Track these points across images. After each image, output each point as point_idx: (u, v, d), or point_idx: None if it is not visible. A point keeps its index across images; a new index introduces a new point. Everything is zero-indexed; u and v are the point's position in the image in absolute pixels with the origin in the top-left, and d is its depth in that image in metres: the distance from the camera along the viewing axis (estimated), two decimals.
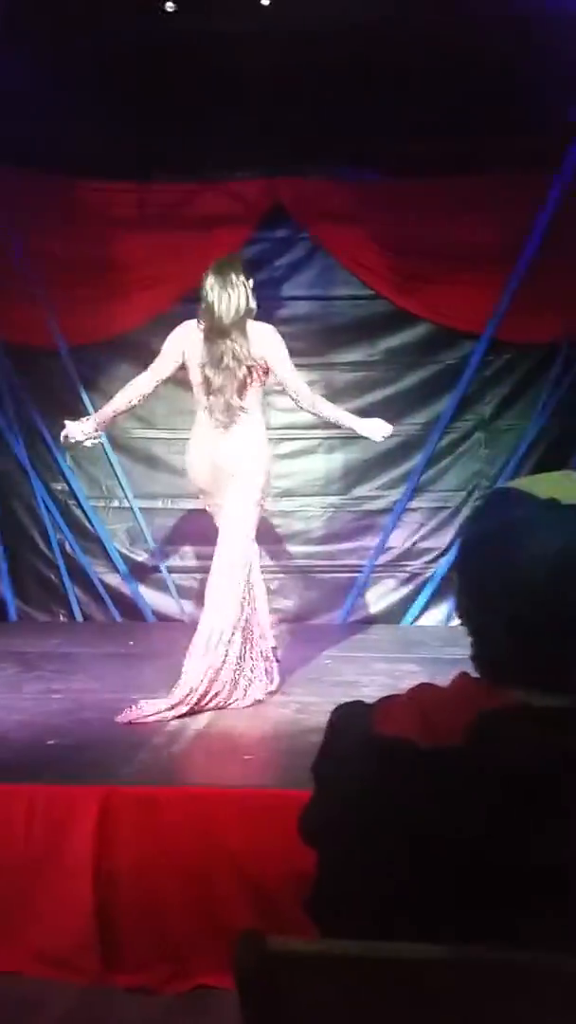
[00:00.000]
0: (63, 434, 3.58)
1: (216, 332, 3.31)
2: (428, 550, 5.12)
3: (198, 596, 5.12)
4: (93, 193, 5.07)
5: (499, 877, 0.82)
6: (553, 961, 0.79)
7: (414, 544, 5.13)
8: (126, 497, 5.22)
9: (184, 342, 3.41)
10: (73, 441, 3.54)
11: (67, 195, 5.03)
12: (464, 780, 0.84)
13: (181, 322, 5.19)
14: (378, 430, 3.56)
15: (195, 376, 3.40)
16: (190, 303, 5.13)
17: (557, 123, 4.41)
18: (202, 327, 3.37)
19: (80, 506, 5.25)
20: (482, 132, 4.55)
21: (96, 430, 3.53)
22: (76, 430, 3.50)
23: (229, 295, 3.30)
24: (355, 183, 5.03)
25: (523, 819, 0.82)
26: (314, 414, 3.52)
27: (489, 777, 0.83)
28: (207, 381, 3.34)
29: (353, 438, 5.16)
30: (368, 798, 0.88)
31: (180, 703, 3.04)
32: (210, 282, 3.34)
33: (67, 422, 3.58)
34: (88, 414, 5.23)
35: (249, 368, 3.32)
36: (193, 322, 3.43)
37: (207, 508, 3.55)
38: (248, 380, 3.34)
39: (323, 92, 4.31)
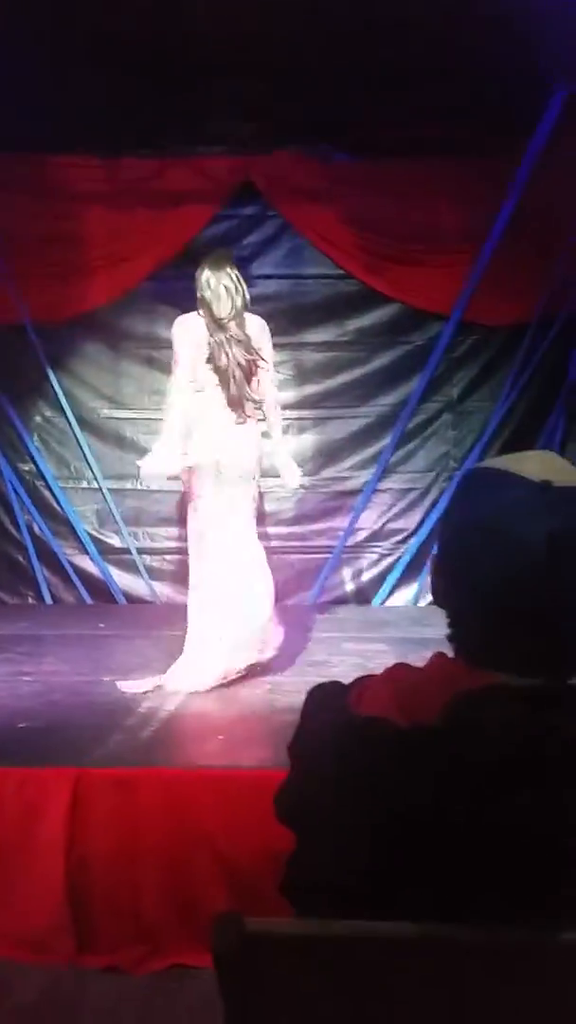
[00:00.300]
0: (142, 475, 3.49)
1: (221, 326, 3.31)
2: (397, 531, 5.16)
3: (169, 577, 5.12)
4: (59, 168, 4.98)
5: (477, 855, 0.83)
6: (532, 937, 0.81)
7: (384, 525, 5.17)
8: (95, 478, 5.17)
9: (193, 335, 3.34)
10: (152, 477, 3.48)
11: (32, 171, 4.93)
12: (440, 759, 0.85)
13: (149, 299, 5.17)
14: (293, 479, 3.60)
15: (202, 371, 3.34)
16: (158, 280, 5.11)
17: (524, 107, 4.41)
18: (204, 320, 3.34)
19: (48, 487, 5.19)
20: (452, 115, 4.53)
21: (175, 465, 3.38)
22: (156, 469, 3.40)
23: (227, 288, 3.31)
24: (326, 162, 5.00)
25: (500, 798, 0.83)
26: (263, 419, 3.46)
27: (466, 756, 0.84)
28: (222, 374, 3.30)
29: (324, 419, 5.18)
30: (345, 778, 0.88)
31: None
32: (206, 276, 3.34)
33: (143, 463, 3.44)
34: (55, 394, 5.20)
35: (254, 359, 3.34)
36: (192, 315, 3.39)
37: (198, 497, 3.39)
38: (254, 370, 3.35)
39: (295, 70, 4.25)
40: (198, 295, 3.35)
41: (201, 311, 3.35)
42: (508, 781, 0.84)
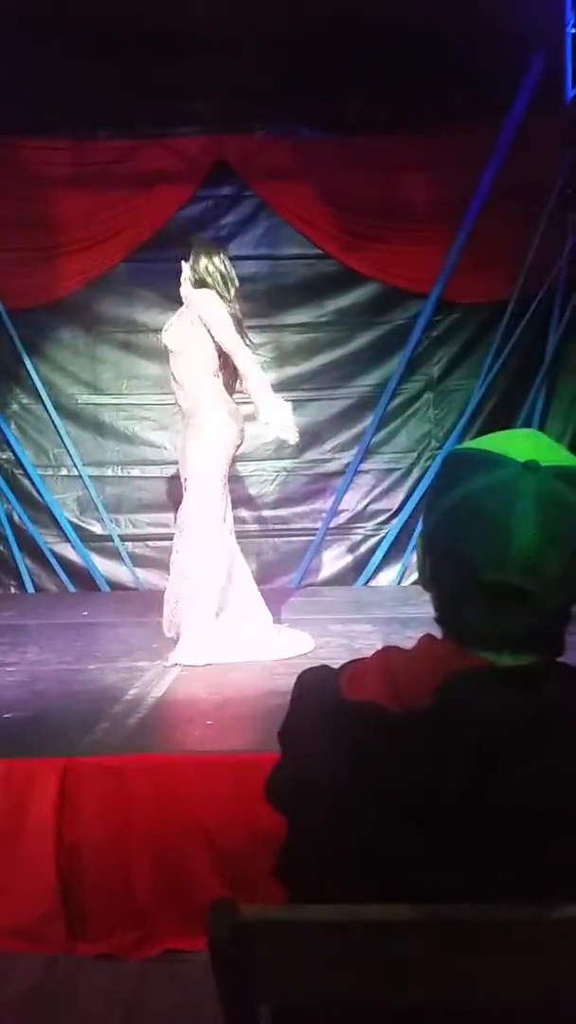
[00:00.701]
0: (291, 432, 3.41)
1: (231, 304, 3.43)
2: (380, 512, 5.16)
3: (151, 564, 5.10)
4: (29, 151, 4.90)
5: (471, 835, 0.83)
6: (528, 914, 0.81)
7: (366, 506, 5.17)
8: (75, 465, 5.13)
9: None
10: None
11: (2, 154, 4.84)
12: (433, 740, 0.84)
13: (125, 283, 5.10)
14: (278, 424, 3.39)
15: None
16: (134, 263, 5.05)
17: (500, 80, 4.38)
18: (229, 298, 3.43)
19: (27, 475, 5.14)
20: (427, 89, 4.50)
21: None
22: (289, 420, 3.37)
23: (232, 269, 3.50)
24: (301, 140, 4.95)
25: (493, 778, 0.83)
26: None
27: (458, 736, 0.84)
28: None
29: (305, 401, 5.15)
30: (337, 762, 0.88)
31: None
32: (222, 256, 3.50)
33: (286, 418, 3.37)
34: (31, 381, 5.14)
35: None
36: (213, 292, 3.43)
37: (227, 476, 3.45)
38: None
39: (268, 47, 4.20)
40: (220, 274, 3.43)
41: (228, 290, 3.44)
42: (500, 761, 0.84)
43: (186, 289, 3.50)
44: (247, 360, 3.39)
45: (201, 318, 3.38)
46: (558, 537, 0.87)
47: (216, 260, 3.45)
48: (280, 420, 3.35)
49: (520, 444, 0.91)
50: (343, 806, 0.87)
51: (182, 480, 3.61)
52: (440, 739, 0.84)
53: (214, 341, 3.37)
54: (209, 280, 3.42)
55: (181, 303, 3.58)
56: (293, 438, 3.46)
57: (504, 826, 0.82)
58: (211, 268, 3.43)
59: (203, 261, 3.45)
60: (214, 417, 3.39)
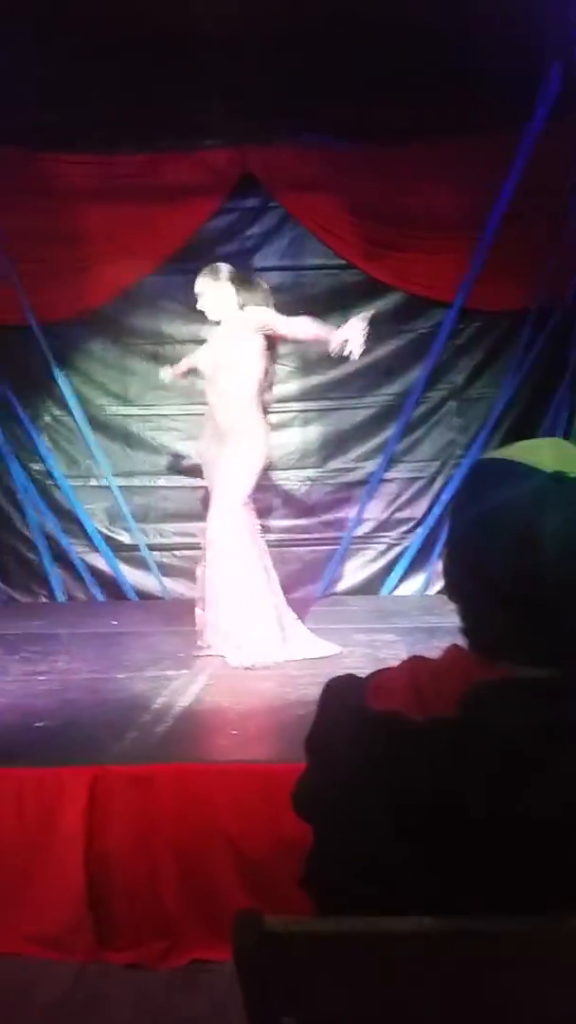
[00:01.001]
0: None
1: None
2: (404, 520, 5.16)
3: (179, 573, 5.15)
4: (58, 165, 4.98)
5: (497, 847, 0.84)
6: (554, 927, 0.82)
7: (390, 515, 5.17)
8: (104, 475, 5.20)
9: None
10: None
11: (32, 169, 4.93)
12: (458, 751, 0.85)
13: (153, 295, 5.18)
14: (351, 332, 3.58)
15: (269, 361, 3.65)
16: (161, 276, 5.11)
17: (521, 86, 4.37)
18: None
19: (59, 486, 5.22)
20: (448, 98, 4.51)
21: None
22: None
23: None
24: (325, 151, 4.98)
25: (517, 788, 0.84)
26: None
27: (483, 747, 0.85)
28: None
29: (328, 410, 5.17)
30: (363, 772, 0.88)
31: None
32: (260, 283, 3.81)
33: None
34: (62, 393, 5.22)
35: None
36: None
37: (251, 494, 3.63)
38: None
39: (291, 59, 4.23)
40: (265, 294, 3.70)
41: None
42: (526, 773, 0.84)
43: (228, 310, 3.62)
44: (314, 323, 3.65)
45: (263, 329, 3.56)
46: None
47: (261, 289, 3.69)
48: (351, 333, 3.53)
49: (546, 454, 0.91)
50: (366, 816, 0.88)
51: (209, 490, 3.67)
52: (464, 750, 0.85)
53: (265, 361, 3.59)
54: (265, 294, 3.69)
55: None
56: (357, 352, 3.60)
57: (527, 838, 0.83)
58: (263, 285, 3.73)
59: (248, 295, 3.65)
60: (256, 435, 3.55)
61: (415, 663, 0.96)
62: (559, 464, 0.88)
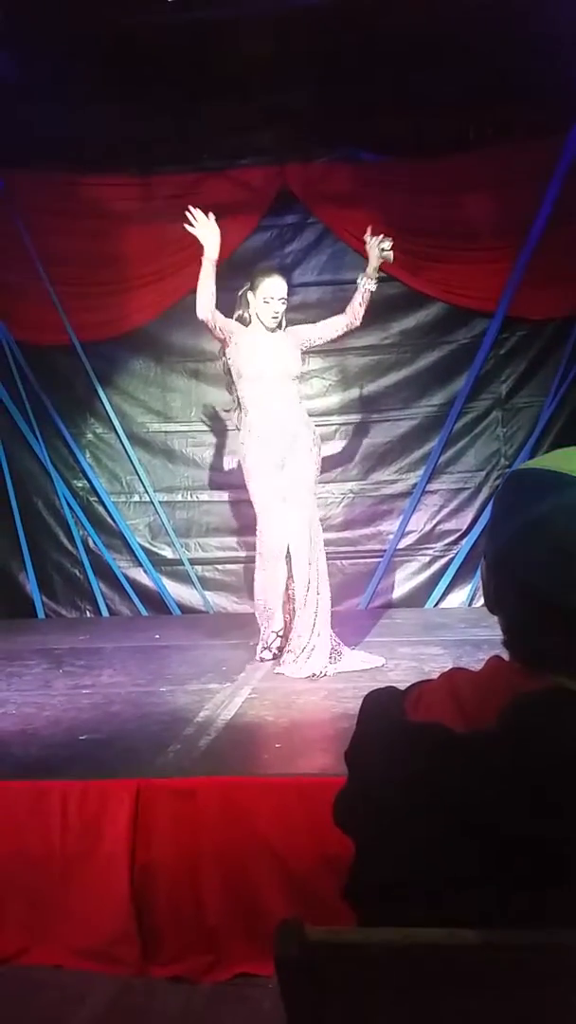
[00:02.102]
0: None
1: None
2: (449, 532, 5.10)
3: (221, 587, 5.17)
4: (98, 188, 5.07)
5: (536, 859, 0.82)
6: None
7: (434, 527, 5.12)
8: (146, 491, 5.25)
9: None
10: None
11: (73, 192, 5.04)
12: (499, 763, 0.84)
13: (193, 313, 5.22)
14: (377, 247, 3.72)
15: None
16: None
17: (562, 93, 4.34)
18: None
19: (102, 502, 5.28)
20: (486, 107, 4.49)
21: None
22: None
23: None
24: (362, 165, 5.00)
25: (559, 801, 0.82)
26: None
27: (524, 759, 0.83)
28: None
29: (370, 423, 5.15)
30: (402, 784, 0.87)
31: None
32: None
33: None
34: (105, 410, 5.29)
35: None
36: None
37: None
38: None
39: (325, 74, 4.27)
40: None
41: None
42: (566, 783, 0.82)
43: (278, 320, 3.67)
44: (336, 316, 3.75)
45: (308, 343, 3.66)
46: None
47: None
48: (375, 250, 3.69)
49: (569, 458, 0.90)
50: (407, 828, 0.87)
51: (264, 503, 3.62)
52: (506, 762, 0.83)
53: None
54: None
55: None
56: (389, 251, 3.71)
57: (569, 851, 0.81)
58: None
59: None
60: (314, 436, 3.65)
61: (456, 674, 0.95)
62: (565, 467, 0.88)
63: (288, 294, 3.74)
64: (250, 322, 3.67)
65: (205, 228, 3.53)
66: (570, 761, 0.82)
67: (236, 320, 3.67)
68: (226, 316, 3.65)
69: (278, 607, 3.59)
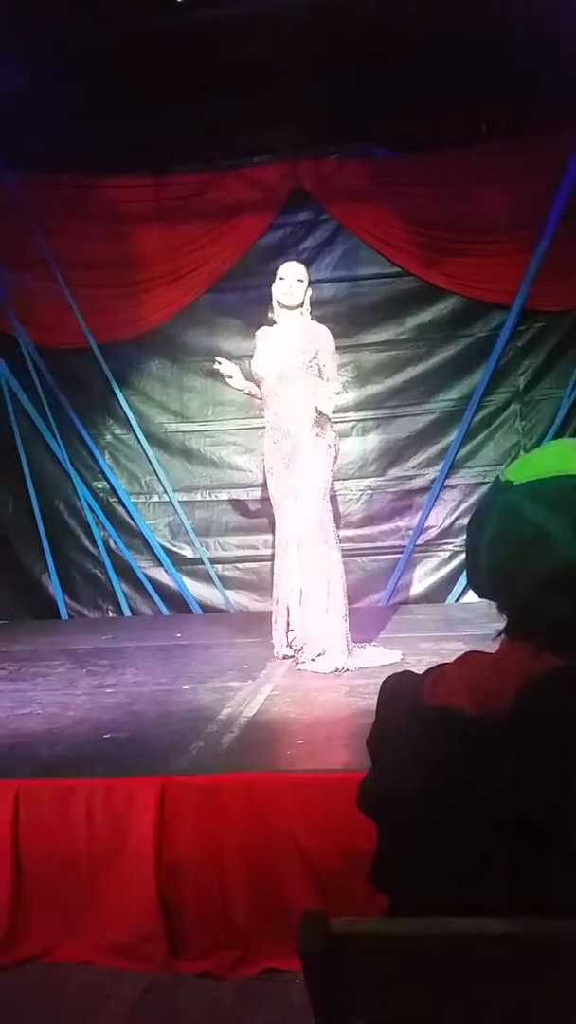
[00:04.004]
0: None
1: None
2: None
3: (241, 585, 5.18)
4: (112, 190, 5.10)
5: (553, 837, 0.82)
6: None
7: (454, 522, 5.09)
8: (166, 491, 5.27)
9: None
10: None
11: (87, 195, 5.07)
12: (515, 743, 0.85)
13: (208, 312, 5.24)
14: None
15: None
16: (216, 293, 5.18)
17: (574, 87, 4.29)
18: None
19: (121, 503, 5.31)
20: (498, 102, 4.46)
21: None
22: None
23: None
24: (375, 160, 4.98)
25: (573, 778, 0.82)
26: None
27: (539, 738, 0.84)
28: None
29: (387, 418, 5.14)
30: (421, 767, 0.89)
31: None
32: None
33: None
34: (123, 411, 5.32)
35: None
36: None
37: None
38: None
39: (337, 71, 4.26)
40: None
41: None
42: None
43: (302, 315, 3.68)
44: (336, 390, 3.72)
45: (324, 352, 3.62)
46: (513, 549, 0.94)
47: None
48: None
49: (522, 463, 1.00)
50: (426, 811, 0.88)
51: (277, 500, 3.66)
52: (522, 742, 0.84)
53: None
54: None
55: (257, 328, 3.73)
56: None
57: None
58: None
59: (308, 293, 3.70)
60: (329, 437, 3.62)
61: (470, 658, 0.99)
62: (519, 470, 0.99)
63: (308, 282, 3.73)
64: (275, 322, 3.70)
65: (228, 369, 3.74)
66: None
67: (266, 326, 3.75)
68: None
69: (287, 602, 3.61)
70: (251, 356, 3.63)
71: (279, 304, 3.66)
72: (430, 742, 0.89)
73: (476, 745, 0.86)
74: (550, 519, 0.92)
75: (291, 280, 3.64)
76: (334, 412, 3.61)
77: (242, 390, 3.81)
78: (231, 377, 3.75)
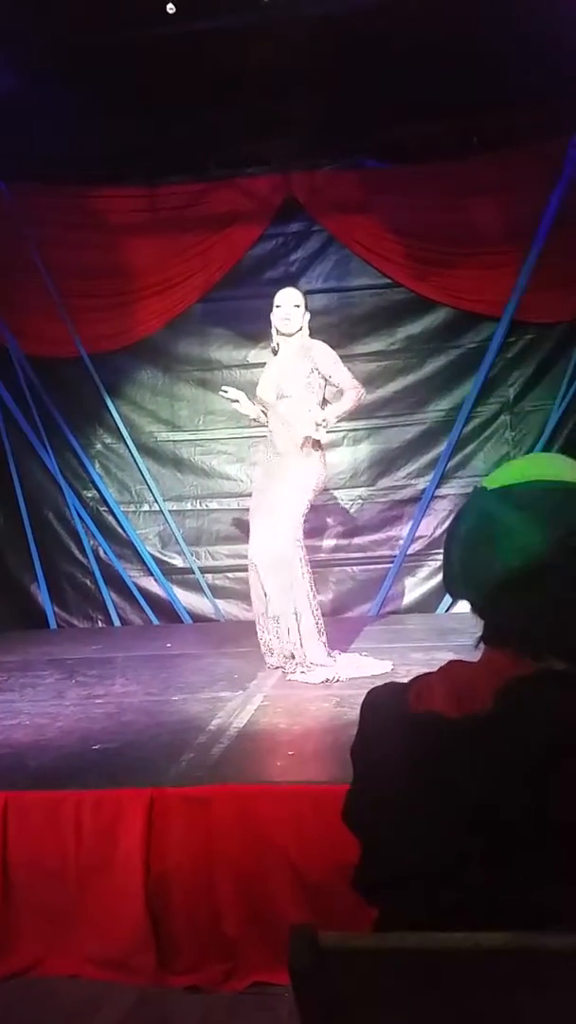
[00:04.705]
0: None
1: None
2: None
3: (231, 595, 5.17)
4: (105, 200, 5.11)
5: (530, 836, 0.83)
6: None
7: (444, 532, 5.10)
8: (156, 501, 5.26)
9: None
10: None
11: (80, 205, 5.08)
12: (497, 743, 0.87)
13: (199, 322, 5.26)
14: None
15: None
16: (205, 303, 5.20)
17: (564, 97, 4.34)
18: None
19: (111, 512, 5.30)
20: (489, 112, 4.50)
21: None
22: None
23: None
24: (366, 172, 5.02)
25: (557, 779, 0.83)
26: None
27: (518, 737, 0.86)
28: None
29: (378, 428, 5.16)
30: (403, 772, 0.91)
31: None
32: None
33: None
34: (114, 421, 5.33)
35: None
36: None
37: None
38: None
39: (327, 83, 4.29)
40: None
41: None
42: (563, 760, 0.84)
43: (300, 337, 3.70)
44: (357, 397, 3.71)
45: (327, 365, 3.63)
46: (480, 547, 0.99)
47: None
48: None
49: (499, 471, 1.05)
50: (410, 814, 0.89)
51: (254, 513, 3.68)
52: (500, 741, 0.87)
53: (322, 390, 3.66)
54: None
55: (254, 339, 3.72)
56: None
57: (565, 827, 0.82)
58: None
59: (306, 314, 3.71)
60: (317, 458, 3.64)
61: (452, 666, 1.01)
62: (487, 481, 1.05)
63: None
64: (278, 350, 3.75)
65: (235, 394, 3.76)
66: (560, 736, 0.85)
67: (271, 352, 3.80)
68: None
69: (260, 615, 3.64)
70: (241, 365, 3.69)
71: (278, 332, 3.70)
72: (411, 746, 0.91)
73: (454, 744, 0.89)
74: (516, 519, 0.97)
75: (287, 307, 3.67)
76: (339, 420, 3.69)
77: (248, 415, 3.82)
78: (238, 402, 3.77)
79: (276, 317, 3.69)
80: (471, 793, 0.86)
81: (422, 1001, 0.83)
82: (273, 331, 3.73)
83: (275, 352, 3.76)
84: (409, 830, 0.89)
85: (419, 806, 0.88)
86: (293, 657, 3.53)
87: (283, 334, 3.69)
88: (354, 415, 5.11)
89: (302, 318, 3.69)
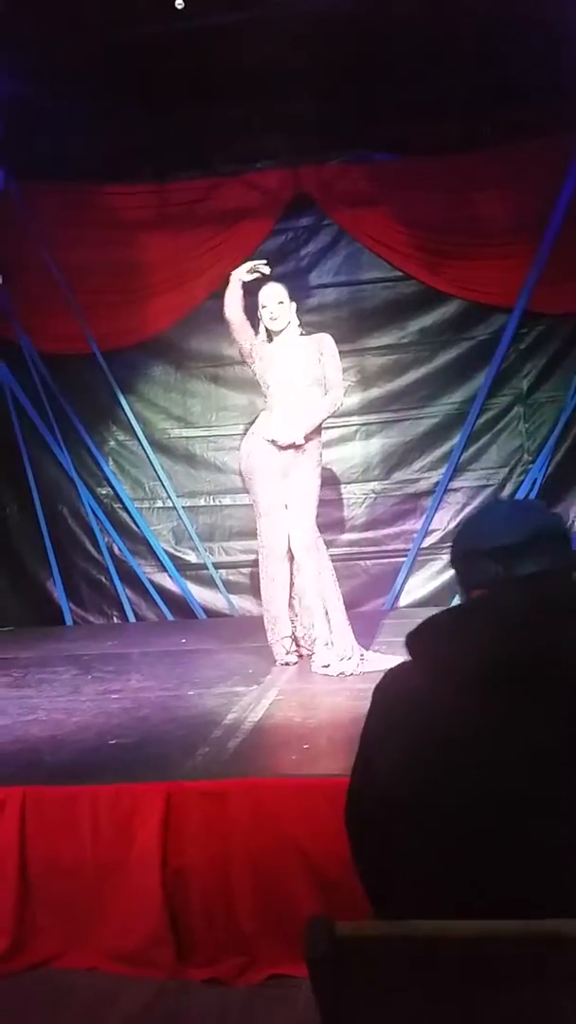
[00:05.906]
0: None
1: None
2: None
3: (246, 590, 5.18)
4: (115, 198, 5.12)
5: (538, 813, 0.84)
6: None
7: (458, 524, 5.08)
8: (169, 497, 5.28)
9: None
10: None
11: (90, 202, 5.09)
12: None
13: (211, 318, 5.25)
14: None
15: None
16: (218, 299, 5.17)
17: (574, 89, 4.30)
18: None
19: (125, 508, 5.32)
20: (498, 105, 4.47)
21: None
22: None
23: None
24: (376, 165, 5.00)
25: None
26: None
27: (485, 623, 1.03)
28: None
29: (391, 422, 5.15)
30: (410, 732, 0.97)
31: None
32: None
33: None
34: (127, 417, 5.34)
35: None
36: None
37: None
38: None
39: (337, 77, 4.27)
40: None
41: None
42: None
43: (293, 329, 3.70)
44: (331, 398, 3.68)
45: (328, 357, 3.64)
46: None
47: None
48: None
49: None
50: (417, 796, 0.89)
51: (264, 507, 3.66)
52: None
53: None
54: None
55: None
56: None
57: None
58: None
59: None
60: (318, 448, 3.69)
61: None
62: None
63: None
64: (271, 338, 3.72)
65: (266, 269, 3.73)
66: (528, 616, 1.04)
67: (262, 340, 3.76)
68: (245, 323, 3.68)
69: (284, 612, 3.63)
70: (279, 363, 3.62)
71: (267, 330, 3.70)
72: (418, 714, 0.98)
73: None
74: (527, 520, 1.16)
75: (272, 305, 3.66)
76: (336, 416, 3.66)
77: (241, 342, 3.74)
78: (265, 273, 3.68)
79: (264, 316, 3.68)
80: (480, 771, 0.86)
81: (438, 987, 0.83)
82: (262, 330, 3.70)
83: (269, 340, 3.72)
84: (417, 812, 0.89)
85: (436, 775, 0.89)
86: (326, 646, 3.51)
87: (273, 332, 3.69)
88: (365, 409, 5.14)
89: (289, 311, 3.67)
